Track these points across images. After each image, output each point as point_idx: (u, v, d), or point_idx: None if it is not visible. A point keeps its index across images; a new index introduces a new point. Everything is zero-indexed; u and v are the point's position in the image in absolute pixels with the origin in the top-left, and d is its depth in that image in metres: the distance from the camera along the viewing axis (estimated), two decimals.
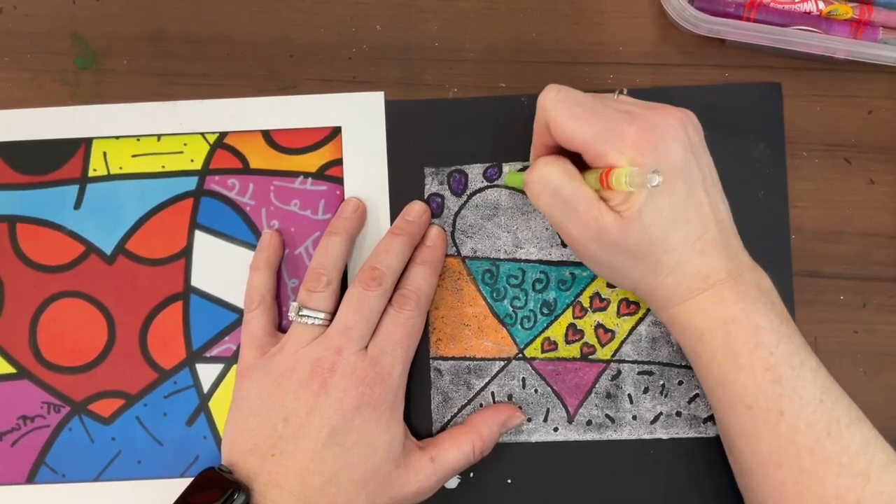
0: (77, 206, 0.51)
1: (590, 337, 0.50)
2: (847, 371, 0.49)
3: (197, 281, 0.51)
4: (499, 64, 0.51)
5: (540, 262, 0.50)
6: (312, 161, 0.51)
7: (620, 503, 0.49)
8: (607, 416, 0.49)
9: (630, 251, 0.42)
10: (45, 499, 0.50)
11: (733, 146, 0.50)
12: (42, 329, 0.51)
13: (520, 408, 0.49)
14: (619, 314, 0.50)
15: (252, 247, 0.50)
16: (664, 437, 0.49)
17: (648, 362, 0.49)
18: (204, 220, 0.51)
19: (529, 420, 0.50)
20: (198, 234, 0.51)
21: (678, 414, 0.49)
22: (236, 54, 0.52)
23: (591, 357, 0.50)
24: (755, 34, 0.48)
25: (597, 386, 0.49)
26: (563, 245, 0.50)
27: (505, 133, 0.50)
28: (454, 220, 0.50)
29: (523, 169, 0.49)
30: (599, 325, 0.50)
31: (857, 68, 0.50)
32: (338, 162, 0.51)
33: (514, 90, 0.51)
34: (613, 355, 0.50)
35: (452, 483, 0.49)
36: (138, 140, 0.51)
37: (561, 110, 0.42)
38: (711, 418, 0.49)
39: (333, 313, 0.47)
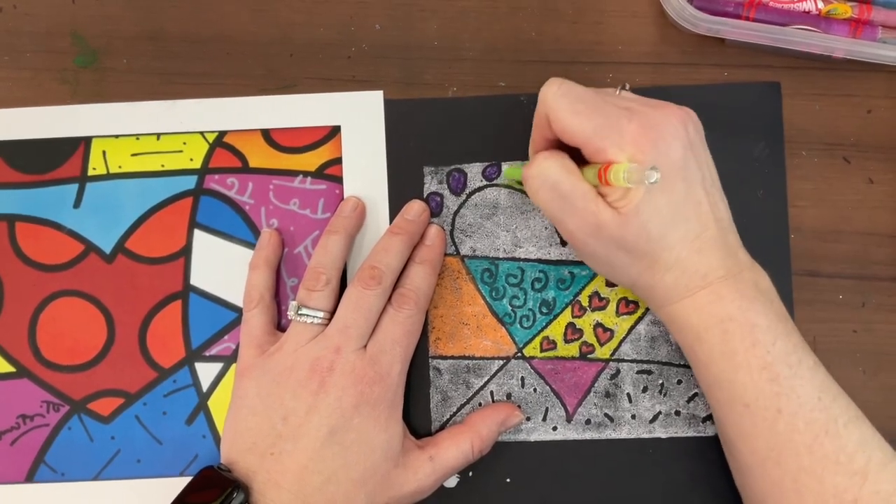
0: (76, 204, 0.51)
1: (589, 336, 0.50)
2: (846, 370, 0.49)
3: (196, 280, 0.51)
4: (498, 63, 0.51)
5: (539, 261, 0.50)
6: (312, 160, 0.51)
7: (619, 502, 0.49)
8: (606, 415, 0.49)
9: (628, 248, 0.42)
10: (45, 497, 0.50)
11: (733, 145, 0.50)
12: (41, 328, 0.51)
13: (519, 407, 0.49)
14: (618, 313, 0.50)
15: (251, 246, 0.50)
16: (663, 436, 0.49)
17: (647, 361, 0.49)
18: (203, 218, 0.51)
19: (528, 419, 0.50)
20: (197, 232, 0.51)
21: (677, 413, 0.49)
22: (236, 53, 0.52)
23: (590, 356, 0.50)
24: (754, 33, 0.48)
25: (596, 385, 0.49)
26: (563, 244, 0.50)
27: (504, 132, 0.50)
28: (453, 219, 0.50)
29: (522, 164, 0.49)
30: (598, 325, 0.50)
31: (857, 67, 0.50)
32: (337, 161, 0.51)
33: (513, 89, 0.51)
34: (612, 354, 0.50)
35: (451, 482, 0.49)
36: (138, 139, 0.51)
37: (562, 105, 0.42)
38: (710, 417, 0.49)
39: (333, 312, 0.47)
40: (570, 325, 0.50)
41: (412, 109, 0.51)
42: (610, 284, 0.50)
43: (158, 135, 0.51)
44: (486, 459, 0.48)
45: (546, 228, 0.50)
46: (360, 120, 0.51)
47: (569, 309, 0.50)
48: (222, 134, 0.51)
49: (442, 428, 0.50)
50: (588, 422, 0.49)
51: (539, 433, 0.49)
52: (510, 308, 0.50)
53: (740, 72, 0.51)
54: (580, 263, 0.50)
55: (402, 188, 0.50)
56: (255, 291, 0.49)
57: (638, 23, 0.51)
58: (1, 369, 0.51)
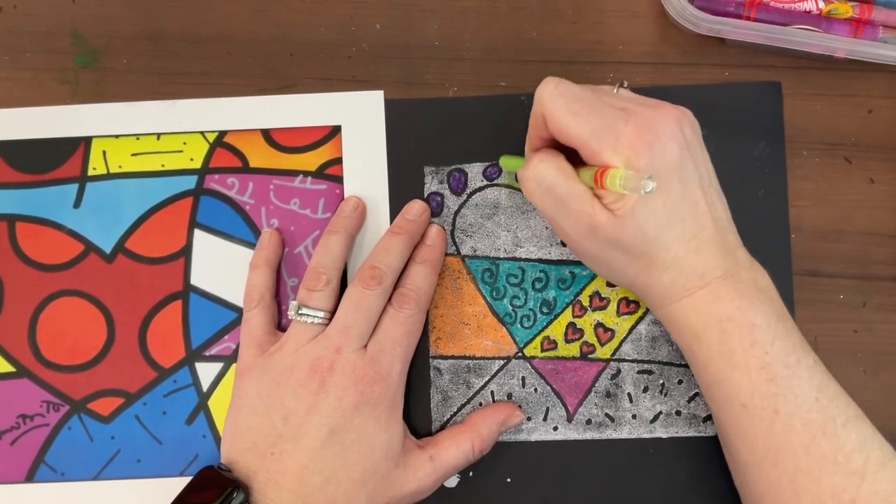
0: (77, 204, 0.51)
1: (589, 336, 0.50)
2: (847, 370, 0.49)
3: (196, 280, 0.51)
4: (499, 63, 0.51)
5: (540, 261, 0.50)
6: (312, 160, 0.51)
7: (620, 502, 0.49)
8: (607, 415, 0.49)
9: (625, 249, 0.42)
10: (45, 497, 0.50)
11: (733, 145, 0.50)
12: (41, 328, 0.51)
13: (519, 407, 0.49)
14: (618, 313, 0.50)
15: (252, 245, 0.50)
16: (664, 436, 0.49)
17: (648, 361, 0.49)
18: (203, 218, 0.51)
19: (529, 419, 0.49)
20: (197, 232, 0.51)
21: (678, 413, 0.49)
22: (236, 53, 0.52)
23: (590, 356, 0.50)
24: (755, 33, 0.48)
25: (596, 385, 0.49)
26: (563, 244, 0.50)
27: (505, 132, 0.50)
28: (454, 219, 0.50)
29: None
30: (599, 324, 0.50)
31: (857, 67, 0.50)
32: (337, 161, 0.51)
33: (514, 89, 0.51)
34: (613, 354, 0.49)
35: (452, 482, 0.49)
36: (138, 139, 0.51)
37: (558, 105, 0.42)
38: (711, 417, 0.49)
39: (333, 312, 0.47)
40: (571, 324, 0.50)
41: (412, 109, 0.51)
42: (611, 284, 0.50)
43: (158, 135, 0.51)
44: (487, 459, 0.48)
45: (546, 228, 0.50)
46: (360, 120, 0.51)
47: (569, 309, 0.50)
48: (222, 134, 0.51)
49: (442, 428, 0.49)
50: (589, 422, 0.49)
51: (540, 433, 0.49)
52: (511, 308, 0.50)
53: (741, 72, 0.51)
54: (581, 263, 0.50)
55: (402, 188, 0.50)
56: (255, 291, 0.49)
57: (638, 22, 0.51)
58: (1, 369, 0.51)
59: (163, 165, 0.51)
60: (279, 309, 0.50)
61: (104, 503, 0.50)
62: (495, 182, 0.50)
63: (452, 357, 0.50)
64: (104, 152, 0.51)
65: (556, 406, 0.49)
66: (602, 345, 0.50)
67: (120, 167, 0.51)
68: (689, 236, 0.42)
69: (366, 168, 0.51)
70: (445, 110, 0.51)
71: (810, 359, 0.42)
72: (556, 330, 0.50)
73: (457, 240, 0.50)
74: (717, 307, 0.42)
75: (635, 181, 0.37)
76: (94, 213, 0.51)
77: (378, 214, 0.50)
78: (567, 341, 0.50)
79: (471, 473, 0.49)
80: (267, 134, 0.51)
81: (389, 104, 0.51)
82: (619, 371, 0.49)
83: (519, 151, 0.49)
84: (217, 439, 0.50)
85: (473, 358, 0.50)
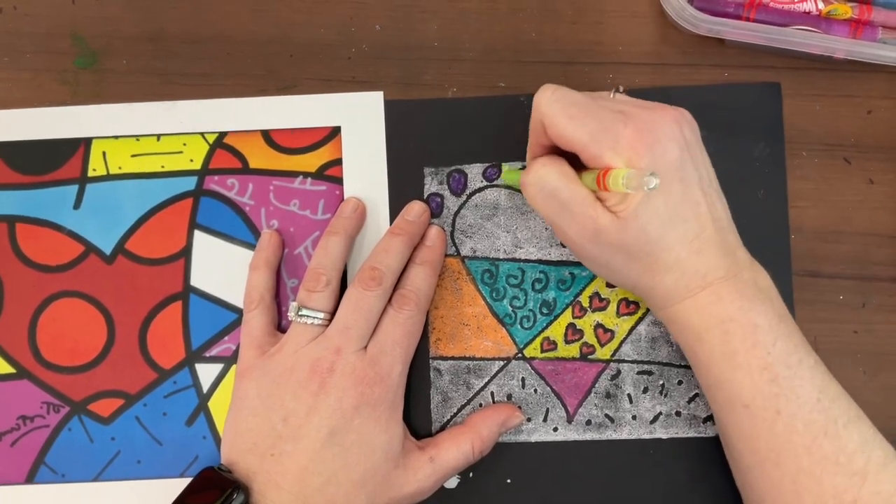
0: (76, 205, 0.51)
1: (589, 337, 0.50)
2: (846, 371, 0.49)
3: (196, 281, 0.51)
4: (498, 64, 0.51)
5: (539, 261, 0.50)
6: (312, 161, 0.51)
7: (620, 503, 0.49)
8: (607, 415, 0.49)
9: (628, 251, 0.42)
10: (45, 498, 0.50)
11: (733, 146, 0.50)
12: (41, 329, 0.51)
13: (519, 407, 0.49)
14: (618, 314, 0.50)
15: (251, 247, 0.50)
16: (664, 436, 0.49)
17: (648, 362, 0.49)
18: (203, 219, 0.51)
19: (529, 420, 0.50)
20: (197, 233, 0.51)
21: (678, 414, 0.49)
22: (236, 54, 0.52)
23: (590, 357, 0.50)
24: (755, 34, 0.48)
25: (596, 386, 0.49)
26: (563, 245, 0.50)
27: (504, 133, 0.50)
28: (454, 220, 0.50)
29: (522, 168, 0.49)
30: (599, 325, 0.50)
31: (857, 68, 0.50)
32: (337, 162, 0.51)
33: (513, 90, 0.51)
34: (613, 355, 0.50)
35: (452, 483, 0.49)
36: (138, 140, 0.51)
37: (556, 111, 0.42)
38: (711, 418, 0.49)
39: (333, 313, 0.47)
40: (571, 325, 0.50)
41: (412, 110, 0.51)
42: (610, 285, 0.50)
43: (158, 136, 0.51)
44: (487, 460, 0.48)
45: (546, 229, 0.50)
46: (360, 121, 0.51)
47: (569, 310, 0.50)
48: (222, 135, 0.51)
49: (442, 429, 0.49)
50: (589, 422, 0.49)
51: (540, 434, 0.49)
52: (510, 309, 0.50)
53: (740, 72, 0.51)
54: (580, 264, 0.50)
55: (402, 189, 0.50)
56: (255, 292, 0.49)
57: (638, 23, 0.51)
58: (1, 370, 0.51)
59: (163, 166, 0.51)
60: (279, 310, 0.50)
61: None
62: (495, 183, 0.50)
63: (452, 358, 0.50)
64: (104, 153, 0.51)
65: (556, 407, 0.49)
66: (602, 345, 0.50)
67: (120, 168, 0.51)
68: (691, 237, 0.42)
69: (365, 169, 0.51)
70: (445, 111, 0.51)
71: (811, 359, 0.42)
72: (556, 331, 0.50)
73: (456, 241, 0.50)
74: (720, 308, 0.42)
75: (638, 179, 0.37)
76: (94, 214, 0.51)
77: (378, 215, 0.50)
78: (567, 342, 0.50)
79: (471, 474, 0.49)
80: (267, 135, 0.51)
81: (389, 105, 0.51)
82: (618, 372, 0.49)
83: (519, 152, 0.49)
84: (217, 440, 0.50)
85: (473, 359, 0.50)
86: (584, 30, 0.51)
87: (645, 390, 0.49)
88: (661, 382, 0.49)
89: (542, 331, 0.50)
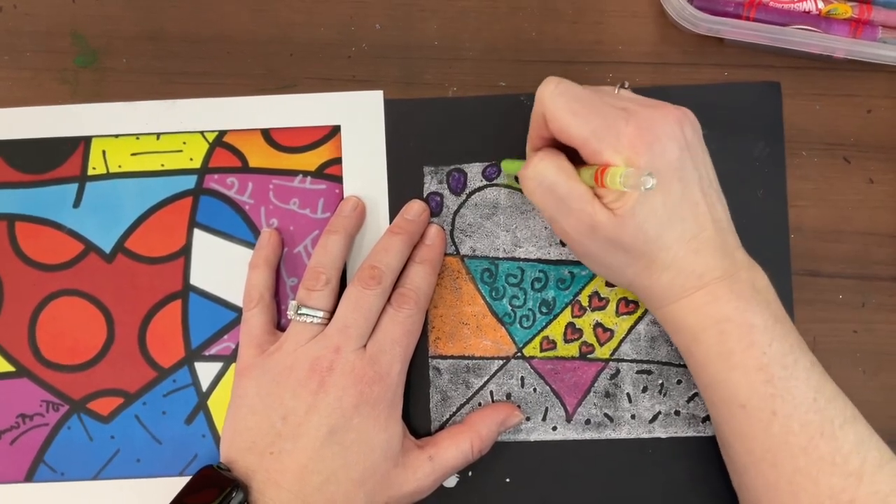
0: (76, 204, 0.51)
1: (588, 336, 0.50)
2: (846, 370, 0.49)
3: (196, 279, 0.51)
4: (499, 63, 0.51)
5: (539, 261, 0.50)
6: (312, 160, 0.51)
7: (619, 502, 0.49)
8: (606, 415, 0.49)
9: (624, 248, 0.42)
10: (44, 497, 0.50)
11: (733, 145, 0.50)
12: (41, 327, 0.51)
13: (518, 407, 0.49)
14: (617, 313, 0.50)
15: (251, 245, 0.50)
16: (663, 436, 0.49)
17: (647, 361, 0.49)
18: (203, 218, 0.51)
19: (528, 419, 0.50)
20: (197, 232, 0.51)
21: (677, 413, 0.49)
22: (236, 53, 0.52)
23: (589, 356, 0.50)
24: (755, 33, 0.48)
25: (595, 385, 0.49)
26: (562, 244, 0.50)
27: (504, 132, 0.50)
28: (453, 219, 0.50)
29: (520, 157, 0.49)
30: (598, 324, 0.50)
31: (857, 67, 0.50)
32: (337, 161, 0.51)
33: (513, 89, 0.51)
34: (612, 354, 0.49)
35: (451, 482, 0.49)
36: (137, 138, 0.51)
37: (559, 105, 0.42)
38: (710, 417, 0.49)
39: (332, 312, 0.47)
40: (570, 324, 0.50)
41: (412, 109, 0.51)
42: (610, 284, 0.50)
43: (158, 134, 0.51)
44: (486, 459, 0.48)
45: (546, 228, 0.50)
46: (360, 120, 0.51)
47: (568, 309, 0.50)
48: (222, 133, 0.51)
49: (441, 428, 0.49)
50: (588, 422, 0.49)
51: (539, 433, 0.49)
52: (510, 308, 0.50)
53: (740, 72, 0.51)
54: (580, 263, 0.50)
55: (401, 188, 0.50)
56: (254, 291, 0.49)
57: (638, 22, 0.51)
58: (1, 369, 0.51)
59: (162, 165, 0.51)
60: (278, 309, 0.50)
61: (104, 503, 0.50)
62: (495, 182, 0.50)
63: (452, 357, 0.50)
64: (104, 152, 0.51)
65: (555, 406, 0.49)
66: (601, 345, 0.50)
67: (119, 167, 0.51)
68: (689, 237, 0.42)
69: (365, 168, 0.51)
70: (445, 110, 0.51)
71: (808, 360, 0.42)
72: (556, 330, 0.50)
73: (456, 240, 0.50)
74: (716, 308, 0.42)
75: (635, 178, 0.37)
76: (94, 212, 0.51)
77: (377, 214, 0.50)
78: (566, 341, 0.50)
79: (470, 473, 0.49)
80: (266, 134, 0.51)
81: (389, 104, 0.51)
82: (618, 371, 0.49)
83: (519, 151, 0.49)
84: (216, 439, 0.50)
85: (472, 358, 0.50)
86: (585, 29, 0.51)
87: (644, 389, 0.49)
88: (660, 382, 0.49)
89: (542, 330, 0.50)
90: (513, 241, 0.50)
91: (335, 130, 0.51)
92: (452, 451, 0.47)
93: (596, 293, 0.50)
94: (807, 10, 0.49)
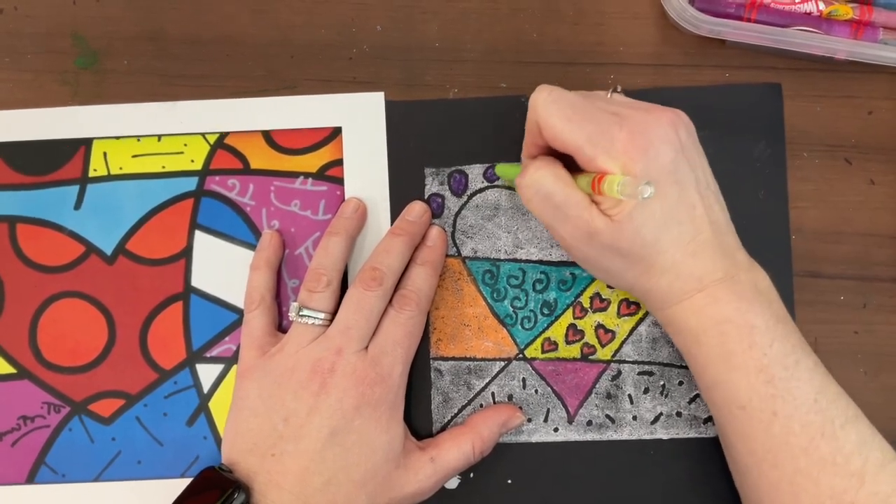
0: (77, 206, 0.51)
1: (590, 337, 0.50)
2: (847, 371, 0.49)
3: (197, 281, 0.51)
4: (500, 64, 0.51)
5: (540, 262, 0.50)
6: (313, 161, 0.51)
7: (620, 503, 0.49)
8: (607, 416, 0.49)
9: (623, 253, 0.42)
10: (45, 499, 0.50)
11: (733, 146, 0.50)
12: (42, 329, 0.51)
13: (520, 408, 0.49)
14: (619, 314, 0.50)
15: (252, 247, 0.50)
16: (664, 437, 0.49)
17: (649, 363, 0.49)
18: (204, 220, 0.51)
19: (529, 420, 0.50)
20: (198, 234, 0.51)
21: (678, 414, 0.49)
22: (236, 55, 0.52)
23: (591, 357, 0.50)
24: (756, 35, 0.48)
25: (597, 386, 0.49)
26: None
27: (505, 133, 0.50)
28: (454, 221, 0.50)
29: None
30: (600, 326, 0.50)
31: (858, 69, 0.50)
32: (338, 162, 0.51)
33: (514, 90, 0.51)
34: (614, 356, 0.50)
35: (452, 483, 0.49)
36: (139, 140, 0.51)
37: (552, 112, 0.42)
38: (711, 419, 0.49)
39: (334, 313, 0.47)
40: (572, 326, 0.50)
41: (413, 111, 0.51)
42: (611, 286, 0.50)
43: (159, 136, 0.51)
44: (488, 461, 0.48)
45: (547, 230, 0.50)
46: (361, 121, 0.51)
47: (570, 310, 0.50)
48: (223, 135, 0.51)
49: (443, 429, 0.49)
50: (589, 423, 0.49)
51: (540, 434, 0.49)
52: (511, 309, 0.50)
53: (741, 73, 0.51)
54: None
55: (403, 189, 0.50)
56: (255, 293, 0.49)
57: (639, 24, 0.51)
58: (2, 370, 0.51)
59: (163, 167, 0.51)
60: (280, 310, 0.50)
61: None
62: (496, 183, 0.50)
63: (453, 358, 0.50)
64: (105, 154, 0.51)
65: (557, 407, 0.49)
66: (603, 346, 0.50)
67: (121, 168, 0.51)
68: (687, 240, 0.42)
69: (366, 169, 0.51)
70: (446, 112, 0.51)
71: (810, 360, 0.42)
72: (557, 331, 0.50)
73: (457, 241, 0.50)
74: (716, 309, 0.42)
75: (633, 187, 0.37)
76: (95, 214, 0.51)
77: (379, 216, 0.50)
78: (568, 342, 0.50)
79: (471, 475, 0.49)
80: (267, 135, 0.51)
81: (390, 105, 0.51)
82: (619, 372, 0.49)
83: (519, 153, 0.49)
84: (218, 441, 0.50)
85: (474, 359, 0.50)
86: (586, 30, 0.51)
87: (646, 391, 0.49)
88: (661, 383, 0.49)
89: (543, 331, 0.50)
90: (514, 243, 0.50)
91: (336, 132, 0.51)
92: (454, 452, 0.47)
93: (597, 294, 0.50)
94: (808, 11, 0.49)
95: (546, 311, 0.50)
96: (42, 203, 0.51)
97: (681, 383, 0.49)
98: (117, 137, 0.51)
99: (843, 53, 0.49)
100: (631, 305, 0.50)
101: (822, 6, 0.49)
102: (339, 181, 0.51)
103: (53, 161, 0.51)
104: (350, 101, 0.51)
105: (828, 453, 0.40)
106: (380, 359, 0.45)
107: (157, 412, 0.50)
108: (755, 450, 0.42)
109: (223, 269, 0.50)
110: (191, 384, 0.50)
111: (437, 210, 0.50)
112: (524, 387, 0.50)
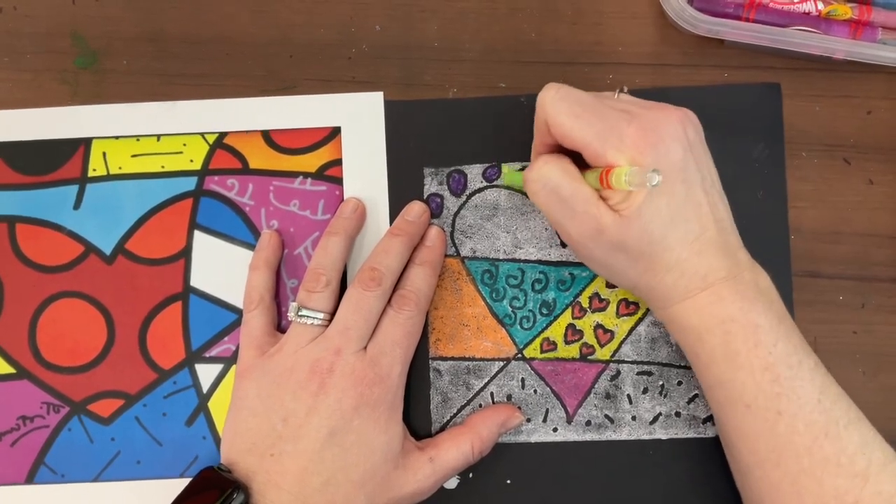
0: (77, 206, 0.51)
1: (589, 337, 0.50)
2: (846, 371, 0.49)
3: (196, 281, 0.51)
4: (498, 64, 0.51)
5: (539, 262, 0.50)
6: (312, 161, 0.51)
7: (619, 503, 0.49)
8: (606, 416, 0.49)
9: (629, 250, 0.42)
10: (45, 499, 0.50)
11: (732, 146, 0.50)
12: (41, 329, 0.51)
13: (519, 408, 0.49)
14: (618, 314, 0.50)
15: (251, 247, 0.50)
16: (663, 437, 0.49)
17: (648, 363, 0.49)
18: (203, 220, 0.51)
19: (528, 420, 0.50)
20: (197, 234, 0.51)
21: (677, 414, 0.49)
22: (236, 54, 0.52)
23: (590, 357, 0.50)
24: (754, 35, 0.48)
25: (596, 386, 0.49)
26: (563, 245, 0.50)
27: (504, 133, 0.50)
28: (453, 221, 0.50)
29: (522, 168, 0.49)
30: (599, 326, 0.50)
31: (856, 69, 0.50)
32: (337, 162, 0.51)
33: (513, 90, 0.51)
34: (613, 356, 0.50)
35: (451, 483, 0.49)
36: (138, 140, 0.51)
37: (560, 109, 0.42)
38: (710, 419, 0.49)
39: (333, 313, 0.47)
40: (571, 326, 0.50)
41: (412, 110, 0.51)
42: (610, 286, 0.50)
43: (158, 136, 0.51)
44: (487, 461, 0.48)
45: (546, 230, 0.50)
46: (360, 121, 0.51)
47: (569, 310, 0.50)
48: (222, 135, 0.51)
49: (442, 429, 0.49)
50: (588, 423, 0.49)
51: (539, 434, 0.49)
52: (510, 309, 0.50)
53: (740, 73, 0.51)
54: (580, 265, 0.50)
55: (402, 189, 0.50)
56: (255, 293, 0.49)
57: (638, 24, 0.51)
58: (1, 370, 0.51)
59: (163, 167, 0.51)
60: (279, 310, 0.50)
61: None
62: (495, 183, 0.50)
63: (452, 358, 0.50)
64: (104, 153, 0.51)
65: (556, 407, 0.50)
66: (601, 346, 0.50)
67: (120, 168, 0.51)
68: (692, 238, 0.42)
69: (365, 169, 0.51)
70: (445, 111, 0.51)
71: (812, 360, 0.42)
72: (556, 331, 0.50)
73: (456, 241, 0.50)
74: (720, 308, 0.42)
75: (641, 176, 0.37)
76: (94, 214, 0.51)
77: (378, 216, 0.50)
78: (566, 342, 0.50)
79: (470, 475, 0.49)
80: (267, 135, 0.51)
81: (389, 105, 0.51)
82: (618, 372, 0.49)
83: (519, 152, 0.49)
84: (217, 440, 0.50)
85: (473, 359, 0.50)
86: (584, 30, 0.51)
87: (645, 391, 0.49)
88: (660, 383, 0.49)
89: (542, 331, 0.50)
90: (513, 243, 0.50)
91: (335, 132, 0.51)
92: (453, 452, 0.47)
93: (596, 294, 0.50)
94: (806, 11, 0.49)
95: (545, 311, 0.50)
96: (41, 203, 0.51)
97: (680, 383, 0.49)
98: (116, 137, 0.51)
99: (841, 53, 0.49)
100: (630, 305, 0.50)
101: (820, 6, 0.49)
102: (339, 181, 0.51)
103: (53, 161, 0.51)
104: (349, 100, 0.51)
105: (831, 453, 0.41)
106: (378, 359, 0.45)
107: (157, 412, 0.50)
108: (758, 449, 0.42)
109: (222, 268, 0.51)
110: (190, 384, 0.50)
111: (436, 210, 0.50)
112: (523, 387, 0.50)
